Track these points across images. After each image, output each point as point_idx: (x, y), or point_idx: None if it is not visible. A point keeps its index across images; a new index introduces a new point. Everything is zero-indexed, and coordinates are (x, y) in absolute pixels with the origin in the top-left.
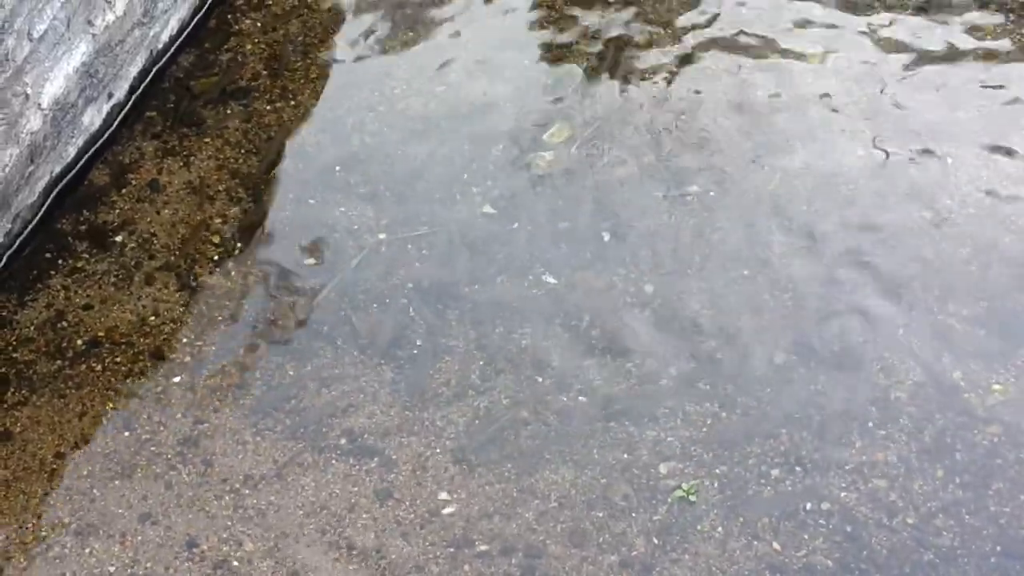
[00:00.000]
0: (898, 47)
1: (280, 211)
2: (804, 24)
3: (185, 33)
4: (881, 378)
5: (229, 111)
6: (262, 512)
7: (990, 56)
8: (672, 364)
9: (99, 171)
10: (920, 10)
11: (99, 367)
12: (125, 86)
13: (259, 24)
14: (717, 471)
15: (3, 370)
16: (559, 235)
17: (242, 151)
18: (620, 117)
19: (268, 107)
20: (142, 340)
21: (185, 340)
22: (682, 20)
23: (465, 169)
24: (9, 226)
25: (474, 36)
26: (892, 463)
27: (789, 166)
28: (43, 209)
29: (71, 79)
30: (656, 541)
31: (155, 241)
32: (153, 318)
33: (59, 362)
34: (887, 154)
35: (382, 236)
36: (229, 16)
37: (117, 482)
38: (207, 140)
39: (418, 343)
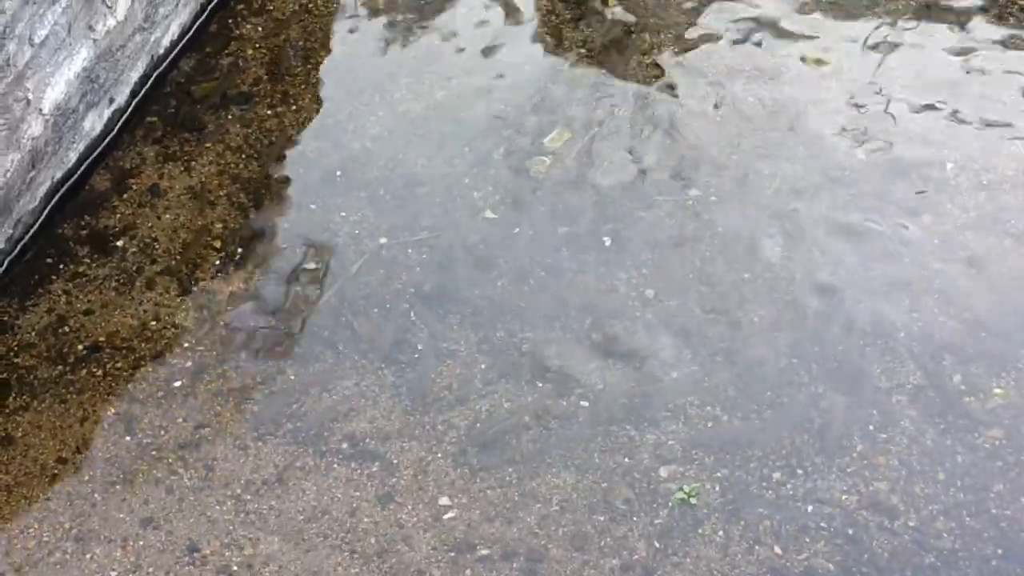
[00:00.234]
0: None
1: (281, 216)
2: (805, 28)
3: (186, 38)
4: (883, 381)
5: (230, 116)
6: (264, 516)
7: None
8: (673, 368)
9: (100, 176)
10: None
11: (100, 372)
12: (126, 91)
13: (260, 29)
14: (718, 474)
15: (4, 375)
16: (560, 239)
17: (243, 156)
18: (620, 120)
19: (269, 112)
20: (143, 345)
21: (186, 345)
22: (682, 22)
23: (466, 174)
24: (10, 231)
25: (475, 40)
26: (893, 466)
27: (789, 169)
28: (44, 214)
29: (72, 84)
30: (657, 545)
31: (156, 246)
32: (154, 323)
33: (60, 367)
34: (885, 156)
35: (383, 240)
36: (230, 21)
37: (118, 487)
38: (208, 145)
39: (419, 347)
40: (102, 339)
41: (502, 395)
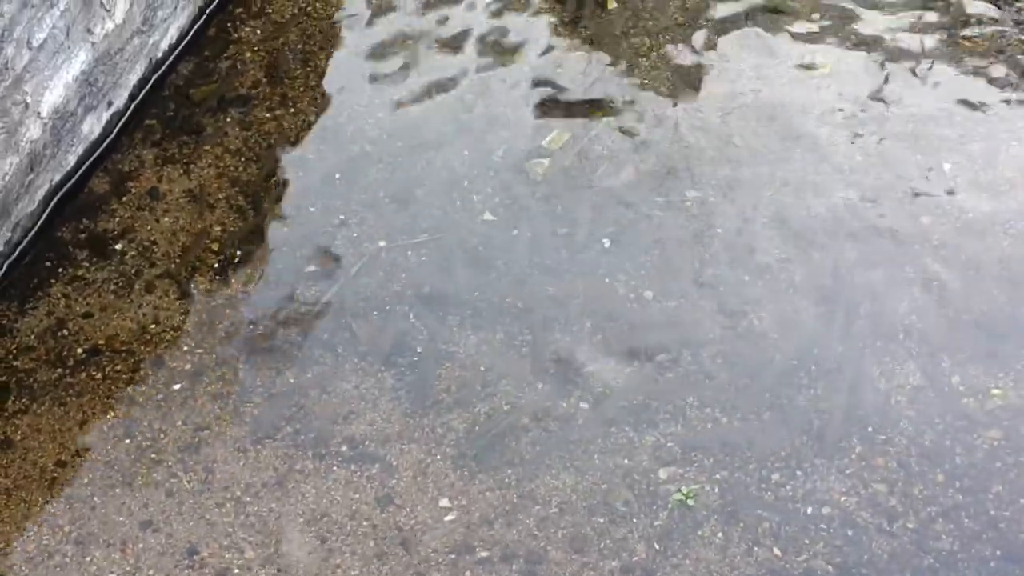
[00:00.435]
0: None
1: (280, 219)
2: (806, 28)
3: (184, 41)
4: (882, 382)
5: (229, 119)
6: (263, 519)
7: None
8: (672, 369)
9: (99, 179)
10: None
11: (100, 375)
12: (125, 94)
13: (258, 32)
14: (717, 476)
15: (4, 378)
16: (559, 240)
17: (242, 159)
18: (619, 122)
19: (268, 115)
20: (142, 348)
21: (186, 348)
22: (681, 23)
23: (465, 176)
24: (9, 234)
25: (474, 41)
26: (892, 468)
27: (789, 172)
28: (43, 217)
29: (70, 88)
30: (657, 546)
31: (155, 249)
32: (153, 326)
33: (60, 370)
34: (885, 156)
35: (382, 243)
36: (228, 24)
37: (118, 490)
38: (207, 148)
39: (418, 350)
40: (101, 342)
41: (502, 397)
